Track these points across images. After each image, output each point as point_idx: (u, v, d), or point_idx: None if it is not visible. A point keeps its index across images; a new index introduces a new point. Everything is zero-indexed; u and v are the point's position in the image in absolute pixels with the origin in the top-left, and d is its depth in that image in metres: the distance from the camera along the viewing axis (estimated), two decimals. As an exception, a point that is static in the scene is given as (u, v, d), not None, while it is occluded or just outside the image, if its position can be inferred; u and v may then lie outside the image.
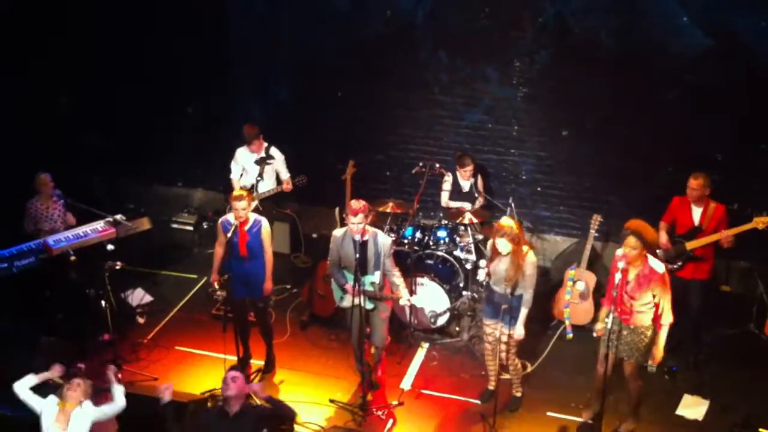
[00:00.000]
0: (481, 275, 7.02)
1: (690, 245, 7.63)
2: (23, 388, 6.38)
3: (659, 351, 6.62)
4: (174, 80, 10.09)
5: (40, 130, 9.72)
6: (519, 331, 6.93)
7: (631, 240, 6.41)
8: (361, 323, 7.20)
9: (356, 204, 6.93)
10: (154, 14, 9.82)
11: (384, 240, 7.06)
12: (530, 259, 6.85)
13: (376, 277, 7.07)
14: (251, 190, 8.66)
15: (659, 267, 6.51)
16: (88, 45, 9.98)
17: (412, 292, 7.86)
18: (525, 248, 6.86)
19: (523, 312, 6.91)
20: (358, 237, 6.95)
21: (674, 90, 8.57)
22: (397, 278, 7.13)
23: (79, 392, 6.29)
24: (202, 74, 10.00)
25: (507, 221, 6.82)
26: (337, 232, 7.20)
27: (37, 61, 9.72)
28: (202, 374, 7.71)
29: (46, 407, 6.29)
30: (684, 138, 8.64)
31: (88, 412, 6.28)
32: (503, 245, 6.73)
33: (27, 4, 9.55)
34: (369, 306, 7.16)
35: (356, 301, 7.02)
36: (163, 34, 9.85)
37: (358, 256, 6.92)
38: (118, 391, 6.49)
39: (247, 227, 7.35)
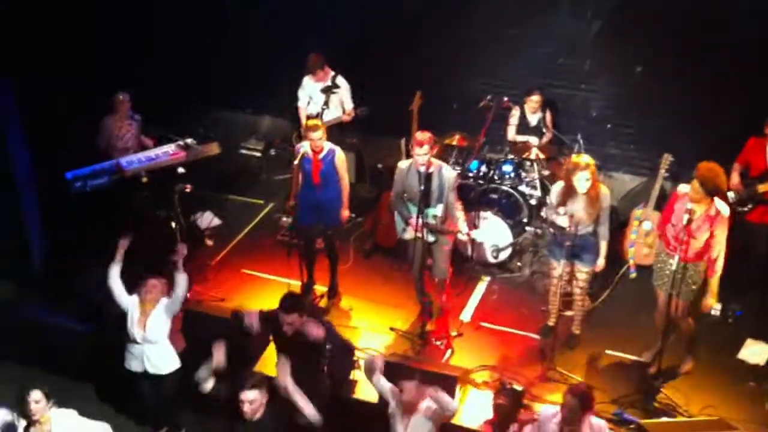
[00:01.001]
0: (564, 221, 6.91)
1: (762, 188, 7.46)
2: (114, 279, 6.71)
3: (712, 297, 6.55)
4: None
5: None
6: (600, 264, 6.96)
7: (694, 184, 6.31)
8: (422, 255, 7.26)
9: (421, 135, 6.92)
10: None
11: (448, 173, 7.05)
12: (604, 193, 6.82)
13: (438, 210, 7.08)
14: (316, 118, 8.69)
15: (725, 210, 6.41)
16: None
17: (473, 227, 7.87)
18: (598, 183, 6.83)
19: (603, 246, 6.93)
20: (422, 169, 6.96)
21: (756, 28, 8.25)
22: (459, 212, 7.14)
23: (155, 293, 6.62)
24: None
25: (584, 158, 6.76)
26: (402, 164, 7.22)
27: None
28: (267, 297, 7.88)
29: (130, 306, 6.65)
30: (763, 78, 8.35)
31: (162, 306, 6.61)
32: (584, 182, 6.67)
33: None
34: (431, 238, 7.20)
35: (418, 233, 7.07)
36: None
37: (422, 188, 6.94)
38: (181, 278, 6.77)
39: (321, 155, 7.41)
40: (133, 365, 6.76)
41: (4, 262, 8.21)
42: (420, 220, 6.95)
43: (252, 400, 5.53)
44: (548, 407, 5.84)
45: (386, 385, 6.11)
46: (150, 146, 8.67)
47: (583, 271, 7.06)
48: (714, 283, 6.53)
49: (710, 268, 6.51)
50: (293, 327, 6.10)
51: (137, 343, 6.65)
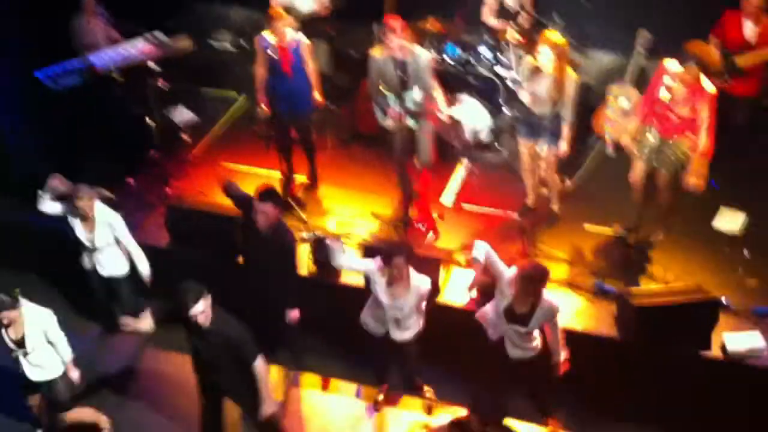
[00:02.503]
0: (525, 97, 6.95)
1: (740, 61, 7.46)
2: (45, 204, 6.67)
3: (695, 176, 6.62)
4: None
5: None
6: (562, 148, 6.97)
7: (693, 69, 6.29)
8: (404, 142, 7.24)
9: (393, 22, 6.81)
10: None
11: (423, 55, 6.98)
12: (572, 77, 6.78)
13: (417, 93, 7.05)
14: (289, 9, 8.51)
15: (710, 87, 6.42)
16: None
17: (452, 105, 7.87)
18: (567, 68, 6.78)
19: (565, 129, 6.93)
20: (398, 55, 6.88)
21: None
22: (438, 92, 7.11)
23: (85, 197, 6.48)
24: None
25: (554, 34, 6.71)
26: (376, 53, 7.12)
27: None
28: (248, 190, 7.88)
29: (72, 221, 6.65)
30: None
31: (112, 222, 6.59)
32: (546, 57, 6.64)
33: None
34: (412, 124, 7.18)
35: (399, 121, 7.03)
36: None
37: (398, 74, 6.86)
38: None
39: (288, 46, 7.30)
40: (86, 264, 6.86)
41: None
42: (399, 108, 6.90)
43: (202, 311, 5.35)
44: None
45: (362, 260, 6.20)
46: (117, 39, 8.49)
47: (545, 151, 7.10)
48: (696, 160, 6.59)
49: (694, 144, 6.57)
50: (267, 218, 6.07)
51: (89, 249, 6.72)
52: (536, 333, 5.82)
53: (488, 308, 5.95)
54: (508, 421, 6.28)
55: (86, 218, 6.58)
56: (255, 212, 6.07)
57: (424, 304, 6.08)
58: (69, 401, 6.20)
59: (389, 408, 6.66)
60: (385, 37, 6.86)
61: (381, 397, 6.66)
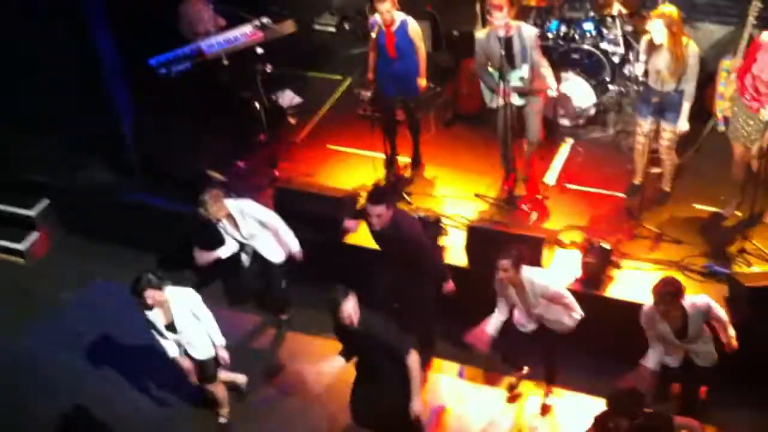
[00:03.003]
0: (639, 69, 6.83)
1: None
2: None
3: None
4: None
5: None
6: (682, 126, 6.84)
7: None
8: (508, 120, 7.17)
9: (494, 2, 6.73)
10: None
11: (529, 32, 6.90)
12: (692, 50, 6.62)
13: (524, 71, 6.98)
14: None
15: None
16: None
17: (559, 82, 7.77)
18: (685, 40, 6.61)
19: (686, 106, 6.78)
20: (502, 32, 6.84)
21: None
22: (546, 68, 7.02)
23: (216, 199, 6.50)
24: None
25: (665, 7, 6.56)
26: (480, 34, 7.08)
27: None
28: (353, 171, 8.04)
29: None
30: None
31: (249, 211, 6.68)
32: (658, 30, 6.49)
33: None
34: (519, 102, 7.14)
35: (504, 99, 6.99)
36: None
37: (503, 53, 6.83)
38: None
39: (394, 28, 7.35)
40: (243, 260, 7.01)
41: (101, 152, 8.57)
42: (505, 86, 6.87)
43: (351, 312, 5.41)
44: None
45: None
46: (222, 26, 8.73)
47: (667, 130, 6.95)
48: None
49: None
50: (381, 220, 6.05)
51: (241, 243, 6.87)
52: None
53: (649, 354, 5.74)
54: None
55: (226, 218, 6.63)
56: (368, 215, 6.09)
57: (562, 300, 5.88)
58: (215, 376, 6.46)
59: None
60: (490, 15, 6.82)
61: (515, 384, 6.68)
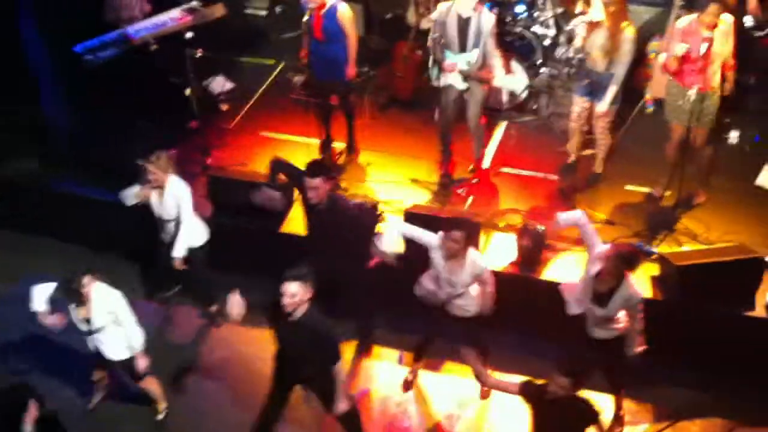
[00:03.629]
0: (578, 41, 6.91)
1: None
2: (129, 199, 6.69)
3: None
4: None
5: None
6: (601, 107, 6.90)
7: (713, 8, 6.23)
8: (449, 101, 7.20)
9: None
10: None
11: (487, 18, 6.88)
12: (628, 34, 6.71)
13: (473, 55, 6.98)
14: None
15: (729, 17, 6.43)
16: None
17: (509, 72, 7.79)
18: (624, 23, 6.69)
19: (612, 89, 6.85)
20: (463, 11, 6.82)
21: None
22: (497, 59, 7.01)
23: (158, 176, 6.43)
24: None
25: None
26: (443, 6, 7.03)
27: None
28: (288, 157, 7.93)
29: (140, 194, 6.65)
30: None
31: (180, 194, 6.58)
32: (596, 7, 6.60)
33: None
34: (461, 86, 7.14)
35: (450, 80, 7.04)
36: None
37: (459, 32, 6.84)
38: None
39: (323, 11, 7.27)
40: (165, 238, 6.87)
41: (29, 141, 8.32)
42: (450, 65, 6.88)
43: (293, 293, 5.14)
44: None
45: (425, 231, 5.96)
46: (148, 10, 8.53)
47: (601, 109, 7.04)
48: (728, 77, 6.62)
49: (726, 67, 6.54)
50: (318, 193, 6.01)
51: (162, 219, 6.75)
52: (620, 315, 5.70)
53: (577, 282, 5.88)
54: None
55: (159, 188, 6.54)
56: (306, 188, 6.02)
57: (486, 288, 5.93)
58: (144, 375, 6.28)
59: (432, 374, 6.76)
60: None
61: (410, 376, 6.66)
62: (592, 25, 6.76)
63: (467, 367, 5.65)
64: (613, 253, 5.44)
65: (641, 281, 6.53)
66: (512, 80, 6.78)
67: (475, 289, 5.93)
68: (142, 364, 6.09)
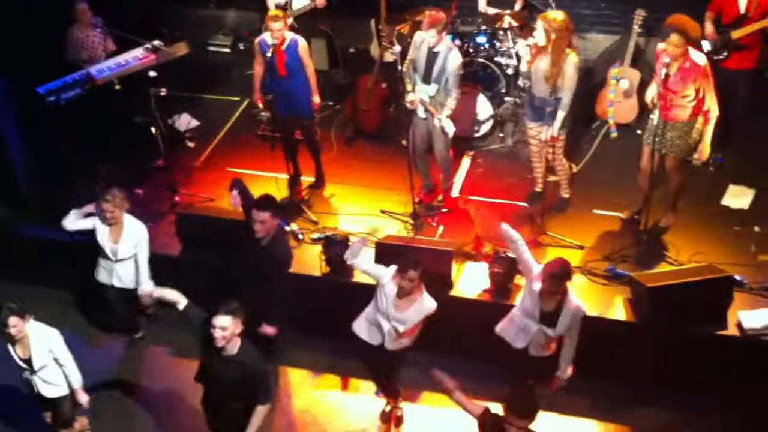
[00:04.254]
0: (524, 66, 7.03)
1: (736, 34, 7.48)
2: (71, 223, 6.66)
3: (706, 146, 6.69)
4: None
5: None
6: (554, 132, 6.92)
7: (674, 38, 6.33)
8: (417, 130, 7.29)
9: (432, 15, 6.89)
10: None
11: (454, 58, 6.94)
12: (571, 60, 6.76)
13: (432, 89, 7.06)
14: (285, 7, 8.51)
15: (701, 59, 6.45)
16: None
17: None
18: (567, 50, 6.77)
19: (560, 115, 6.89)
20: (434, 45, 6.93)
21: None
22: (451, 100, 7.02)
23: (117, 200, 6.43)
24: None
25: (553, 12, 6.74)
26: (418, 36, 7.11)
27: None
28: (256, 193, 7.88)
29: (97, 227, 6.62)
30: None
31: (138, 234, 6.59)
32: (539, 32, 6.68)
33: None
34: (422, 115, 7.22)
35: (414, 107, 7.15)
36: None
37: (426, 63, 6.95)
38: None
39: (284, 47, 7.30)
40: (102, 277, 6.84)
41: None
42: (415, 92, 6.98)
43: (224, 326, 5.09)
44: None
45: (379, 266, 6.03)
46: (113, 49, 8.51)
47: (548, 135, 7.05)
48: (708, 130, 6.63)
49: (704, 116, 6.60)
50: (265, 227, 6.03)
51: (109, 259, 6.69)
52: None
53: (512, 314, 5.92)
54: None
55: (115, 225, 6.53)
56: (253, 221, 6.02)
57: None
58: (72, 420, 6.25)
59: (411, 404, 6.70)
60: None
61: (388, 408, 6.62)
62: (537, 50, 6.85)
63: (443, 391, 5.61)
64: (549, 272, 5.50)
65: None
66: (448, 122, 6.93)
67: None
68: (83, 398, 6.07)
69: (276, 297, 6.27)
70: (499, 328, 6.00)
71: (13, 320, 5.67)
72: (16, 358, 5.89)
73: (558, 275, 5.49)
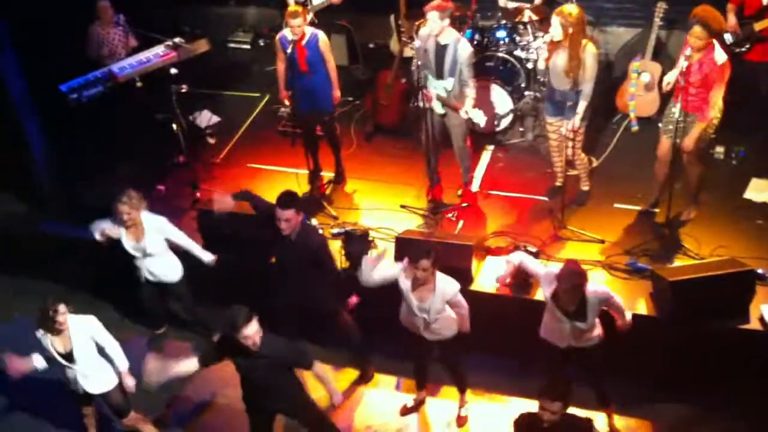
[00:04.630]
0: (541, 63, 6.99)
1: (758, 26, 7.42)
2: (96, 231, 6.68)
3: (691, 141, 6.60)
4: None
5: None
6: (575, 123, 6.89)
7: (697, 30, 6.28)
8: (430, 126, 7.23)
9: (435, 3, 6.82)
10: None
11: (464, 47, 6.91)
12: (590, 51, 6.74)
13: (449, 83, 7.03)
14: (305, 3, 8.54)
15: (720, 58, 6.39)
16: None
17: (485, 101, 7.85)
18: (584, 41, 6.75)
19: (582, 105, 6.87)
20: (441, 39, 6.88)
21: None
22: (470, 89, 6.99)
23: (134, 201, 6.45)
24: None
25: (568, 6, 6.71)
26: (423, 31, 7.08)
27: None
28: (277, 188, 7.86)
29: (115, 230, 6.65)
30: None
31: (161, 227, 6.62)
32: (554, 26, 6.64)
33: None
34: (440, 111, 7.20)
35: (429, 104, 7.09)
36: None
37: (436, 58, 6.92)
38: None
39: (304, 42, 7.31)
40: (138, 274, 6.87)
41: (12, 181, 8.30)
42: (428, 90, 6.94)
43: (251, 335, 5.23)
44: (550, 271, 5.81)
45: (388, 269, 6.00)
46: (135, 45, 8.58)
47: (569, 129, 7.01)
48: (697, 128, 6.56)
49: (701, 113, 6.54)
50: (290, 225, 6.01)
51: (137, 257, 6.72)
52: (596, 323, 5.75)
53: (545, 320, 5.88)
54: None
55: (134, 226, 6.55)
56: (278, 220, 6.01)
57: (460, 310, 5.94)
58: (127, 409, 6.23)
59: (431, 398, 6.72)
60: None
61: (412, 403, 6.64)
62: (553, 45, 6.83)
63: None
64: (564, 283, 5.46)
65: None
66: (476, 113, 6.88)
67: (450, 313, 5.92)
68: (129, 382, 6.05)
69: (332, 279, 6.33)
70: (542, 331, 5.93)
71: (62, 308, 5.69)
72: (54, 353, 5.84)
73: (577, 285, 5.45)
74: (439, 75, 7.00)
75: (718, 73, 6.39)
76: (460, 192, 7.72)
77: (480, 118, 7.00)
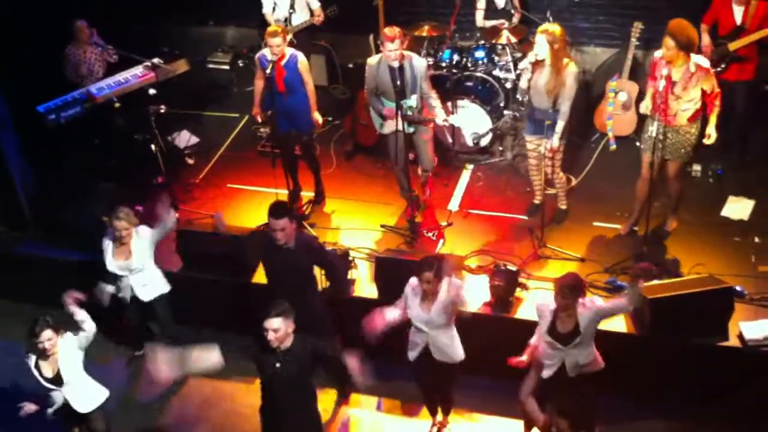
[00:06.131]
0: (524, 83, 7.03)
1: (733, 46, 7.51)
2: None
3: (712, 128, 6.66)
4: None
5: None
6: (554, 143, 6.94)
7: (666, 40, 6.36)
8: (405, 148, 7.26)
9: (390, 31, 6.88)
10: None
11: (419, 63, 7.04)
12: (571, 70, 6.80)
13: (413, 100, 7.11)
14: (284, 23, 8.56)
15: (704, 62, 6.51)
16: None
17: (449, 113, 7.90)
18: (566, 60, 6.81)
19: (560, 124, 6.91)
20: (395, 63, 6.93)
21: None
22: (434, 100, 7.15)
23: (124, 222, 6.45)
24: None
25: (551, 25, 6.77)
26: (372, 60, 7.17)
27: None
28: (256, 209, 7.93)
29: (106, 248, 6.62)
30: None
31: (145, 235, 6.58)
32: (540, 45, 6.69)
33: None
34: (410, 129, 7.24)
35: (397, 126, 7.06)
36: None
37: (398, 82, 6.93)
38: (169, 216, 6.70)
39: (283, 62, 7.31)
40: (122, 294, 6.80)
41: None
42: (398, 111, 6.96)
43: (276, 328, 5.19)
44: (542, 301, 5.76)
45: (400, 304, 5.89)
46: (113, 60, 8.53)
47: (548, 148, 7.04)
48: (714, 115, 6.64)
49: (710, 106, 6.62)
50: (286, 234, 5.96)
51: (122, 276, 6.68)
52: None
53: (538, 346, 5.77)
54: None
55: (123, 244, 6.52)
56: (273, 231, 5.95)
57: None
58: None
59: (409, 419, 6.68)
60: (383, 46, 6.91)
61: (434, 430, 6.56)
62: (536, 65, 6.88)
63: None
64: (562, 281, 5.47)
65: (615, 317, 6.57)
66: (453, 117, 6.93)
67: (456, 339, 5.88)
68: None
69: (336, 271, 6.43)
70: (534, 363, 5.83)
71: (48, 334, 5.62)
72: (39, 378, 5.77)
73: (572, 285, 5.44)
74: (402, 96, 7.02)
75: (708, 73, 6.52)
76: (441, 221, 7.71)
77: (458, 121, 7.27)
